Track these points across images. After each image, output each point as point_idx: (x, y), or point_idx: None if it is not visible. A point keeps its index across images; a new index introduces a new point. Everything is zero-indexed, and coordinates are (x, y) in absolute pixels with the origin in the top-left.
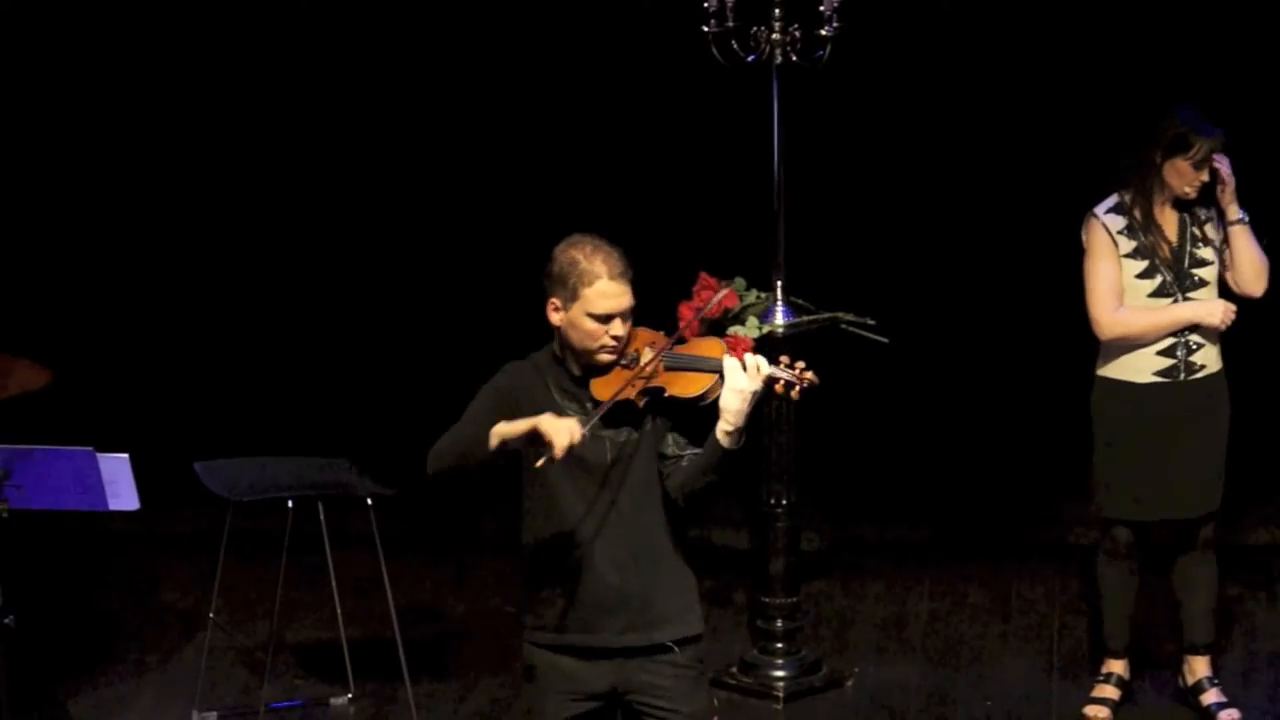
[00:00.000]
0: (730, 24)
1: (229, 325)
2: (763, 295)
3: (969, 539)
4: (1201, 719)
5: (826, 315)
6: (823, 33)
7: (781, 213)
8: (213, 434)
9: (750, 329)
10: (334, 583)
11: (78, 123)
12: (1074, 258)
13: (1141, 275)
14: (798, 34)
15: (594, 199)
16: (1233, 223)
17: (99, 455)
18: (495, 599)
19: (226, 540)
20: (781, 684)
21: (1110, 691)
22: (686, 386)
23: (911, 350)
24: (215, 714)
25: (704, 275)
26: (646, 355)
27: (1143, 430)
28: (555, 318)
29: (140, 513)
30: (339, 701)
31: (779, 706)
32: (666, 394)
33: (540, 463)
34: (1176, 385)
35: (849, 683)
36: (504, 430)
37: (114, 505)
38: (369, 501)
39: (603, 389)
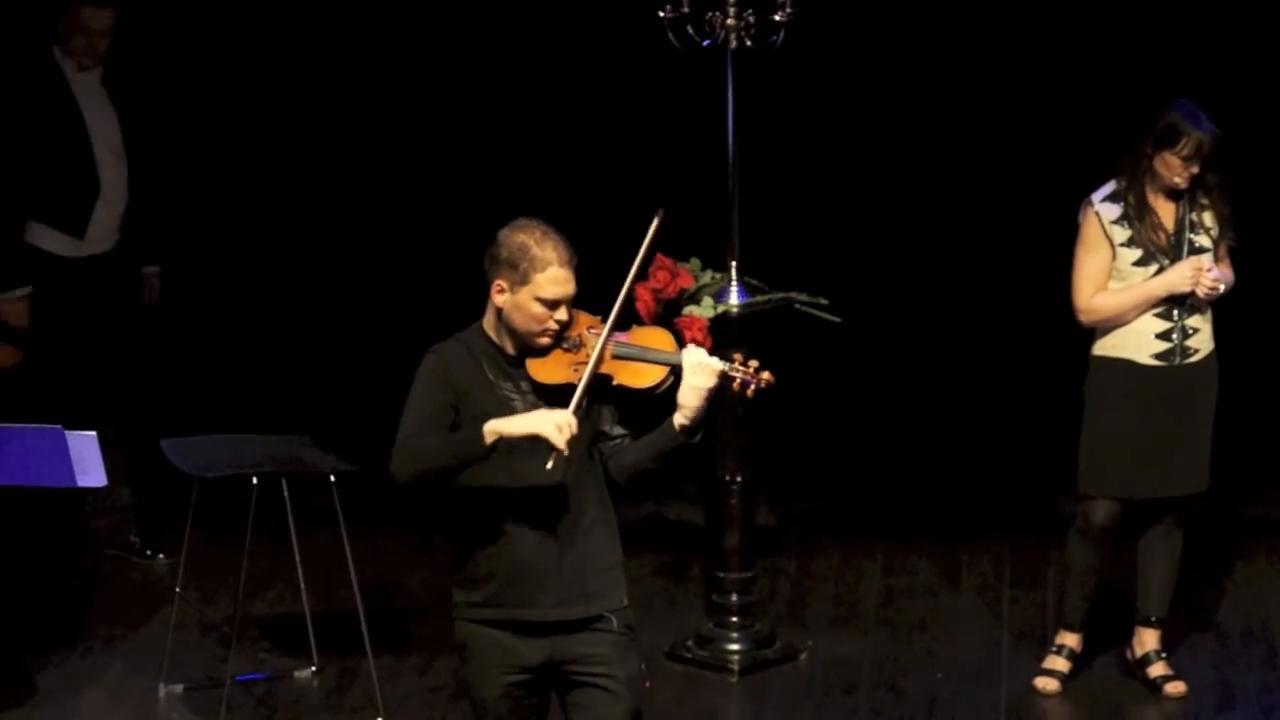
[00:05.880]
0: (686, 9)
1: (193, 305)
2: (717, 275)
3: (920, 513)
4: (1148, 691)
5: (780, 295)
6: (777, 18)
7: (736, 195)
8: (179, 412)
9: (705, 309)
10: (298, 558)
11: None
12: (1026, 237)
13: (1138, 263)
14: (752, 19)
15: (550, 181)
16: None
17: (67, 433)
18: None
19: (192, 516)
20: (736, 657)
21: (1061, 664)
22: (636, 378)
23: (864, 328)
24: (182, 687)
25: (660, 256)
26: (591, 341)
27: (1138, 408)
28: (500, 300)
29: (107, 489)
30: (303, 674)
31: (734, 679)
32: (615, 382)
33: (550, 464)
34: (1171, 369)
35: (803, 656)
36: (501, 428)
37: (82, 482)
38: (332, 478)
39: (542, 370)
